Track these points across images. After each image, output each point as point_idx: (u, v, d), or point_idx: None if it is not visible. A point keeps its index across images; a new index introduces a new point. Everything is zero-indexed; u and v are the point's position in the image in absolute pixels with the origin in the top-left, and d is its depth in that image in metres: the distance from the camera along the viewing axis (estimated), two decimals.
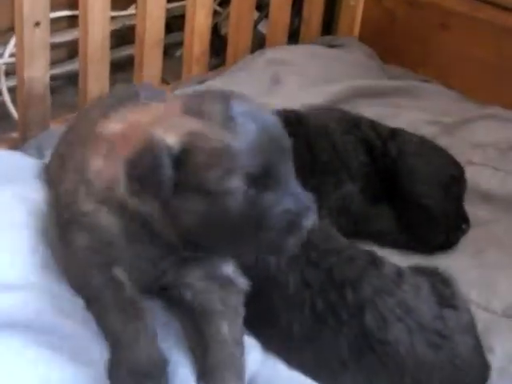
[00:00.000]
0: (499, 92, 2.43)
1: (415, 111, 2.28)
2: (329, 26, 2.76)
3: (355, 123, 1.87)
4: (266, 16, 2.58)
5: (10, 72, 2.26)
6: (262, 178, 1.16)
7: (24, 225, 1.37)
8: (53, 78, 2.02)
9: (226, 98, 1.19)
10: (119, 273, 1.27)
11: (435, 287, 1.41)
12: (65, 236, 1.32)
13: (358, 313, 1.33)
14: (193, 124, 1.15)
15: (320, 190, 1.72)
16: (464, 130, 2.27)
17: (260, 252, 1.25)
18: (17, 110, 2.05)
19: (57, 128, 1.95)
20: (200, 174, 1.14)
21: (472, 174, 1.94)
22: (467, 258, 1.79)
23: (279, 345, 1.38)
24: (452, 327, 1.35)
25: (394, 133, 1.88)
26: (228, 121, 1.15)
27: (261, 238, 1.18)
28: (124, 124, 1.26)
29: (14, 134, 2.01)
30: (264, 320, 1.39)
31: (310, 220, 1.19)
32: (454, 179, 1.85)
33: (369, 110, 2.10)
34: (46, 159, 1.79)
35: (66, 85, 2.41)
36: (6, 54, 2.24)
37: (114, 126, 1.28)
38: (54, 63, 2.03)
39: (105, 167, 1.26)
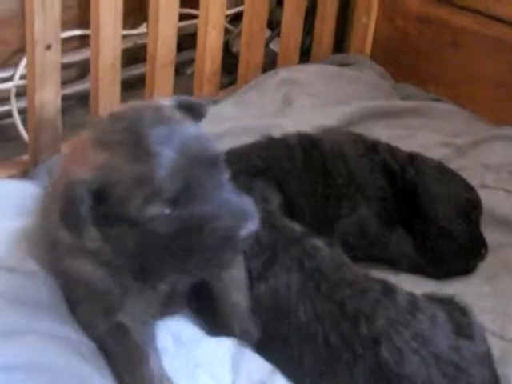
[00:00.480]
0: None
1: (428, 132, 2.26)
2: (340, 43, 2.75)
3: (372, 146, 1.85)
4: (278, 34, 2.56)
5: (20, 93, 2.25)
6: (184, 197, 1.13)
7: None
8: (63, 98, 2.01)
9: (136, 123, 1.16)
10: (123, 317, 1.26)
11: (451, 316, 1.39)
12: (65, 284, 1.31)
13: (372, 346, 1.30)
14: (103, 157, 1.14)
15: (336, 215, 1.74)
16: (476, 151, 2.24)
17: (201, 269, 1.21)
18: (27, 133, 2.04)
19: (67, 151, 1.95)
20: (120, 205, 1.13)
21: (485, 197, 1.90)
22: (481, 284, 1.77)
23: (291, 373, 1.36)
24: (468, 358, 1.32)
25: (412, 157, 1.86)
26: (138, 149, 1.13)
27: (198, 258, 1.16)
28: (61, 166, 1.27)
29: (25, 157, 1.99)
30: (277, 347, 1.38)
31: (250, 227, 1.15)
32: (471, 203, 1.83)
33: (382, 132, 2.09)
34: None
35: (76, 105, 2.40)
36: (17, 76, 2.23)
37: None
38: (64, 83, 2.01)
39: None
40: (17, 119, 2.22)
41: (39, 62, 1.85)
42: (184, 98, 1.26)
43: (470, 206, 1.82)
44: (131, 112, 1.19)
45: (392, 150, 1.86)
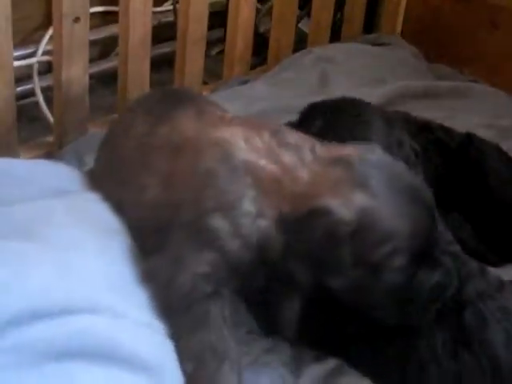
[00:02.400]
0: None
1: (470, 114, 2.15)
2: (371, 23, 2.63)
3: (424, 125, 1.75)
4: (308, 15, 2.46)
5: (41, 72, 2.14)
6: (422, 256, 1.20)
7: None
8: None
9: (385, 171, 1.21)
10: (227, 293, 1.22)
11: None
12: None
13: (457, 309, 1.29)
14: (363, 201, 1.17)
15: None
16: None
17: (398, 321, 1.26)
18: (51, 113, 1.93)
19: (95, 132, 1.84)
20: (367, 250, 1.16)
21: None
22: None
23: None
24: None
25: (471, 136, 1.76)
26: (393, 201, 1.19)
27: (405, 310, 1.22)
28: (277, 166, 1.23)
29: (49, 139, 1.89)
30: None
31: (452, 289, 1.24)
32: None
33: (423, 113, 1.98)
34: (87, 166, 1.69)
35: (98, 85, 2.28)
36: (39, 52, 2.11)
37: (264, 163, 1.24)
38: None
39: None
40: (40, 98, 2.10)
41: (67, 35, 1.75)
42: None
43: None
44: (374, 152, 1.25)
45: (446, 129, 1.76)
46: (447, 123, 1.95)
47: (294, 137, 1.29)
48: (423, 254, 1.20)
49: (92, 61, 2.24)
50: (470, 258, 1.42)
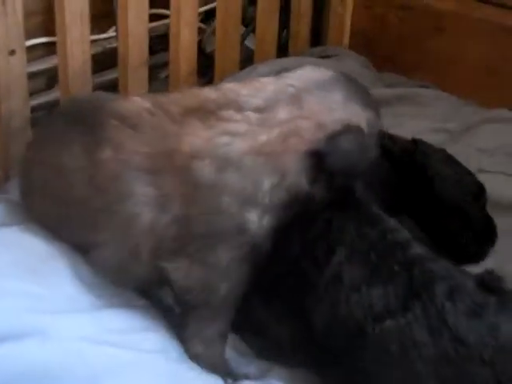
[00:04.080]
0: (500, 94, 2.33)
1: (419, 119, 2.18)
2: (317, 36, 2.65)
3: None
4: (253, 31, 2.47)
5: None
6: None
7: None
8: (31, 109, 1.89)
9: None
10: None
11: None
12: None
13: (407, 269, 1.33)
14: (369, 115, 1.33)
15: None
16: (469, 135, 2.18)
17: None
18: None
19: None
20: None
21: (484, 182, 1.81)
22: None
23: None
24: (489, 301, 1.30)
25: (416, 141, 1.78)
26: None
27: None
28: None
29: None
30: None
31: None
32: (480, 187, 1.75)
33: None
34: None
35: (45, 116, 2.26)
36: None
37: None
38: (31, 94, 1.90)
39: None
40: None
41: (3, 68, 1.74)
42: None
43: (479, 190, 1.74)
44: None
45: (391, 136, 1.77)
46: (396, 130, 1.95)
47: None
48: None
49: (38, 92, 2.26)
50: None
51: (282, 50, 2.53)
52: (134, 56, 2.02)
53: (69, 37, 1.84)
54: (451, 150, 1.92)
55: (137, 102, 1.36)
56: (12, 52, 1.74)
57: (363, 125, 1.29)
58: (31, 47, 2.11)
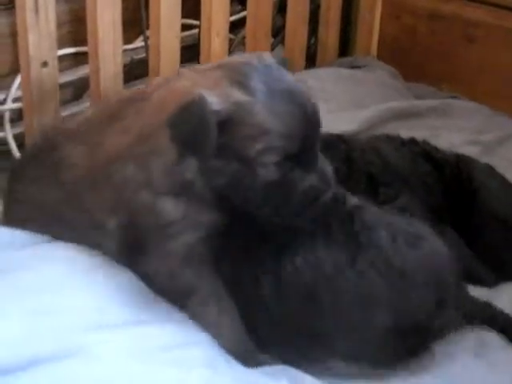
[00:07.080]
0: None
1: (452, 131, 2.14)
2: (346, 46, 2.62)
3: (408, 140, 1.77)
4: (282, 41, 2.44)
5: (13, 119, 2.09)
6: (297, 156, 1.22)
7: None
8: None
9: (267, 74, 1.23)
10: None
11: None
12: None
13: (347, 222, 1.36)
14: (239, 96, 1.19)
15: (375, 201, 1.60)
16: (504, 147, 2.14)
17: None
18: None
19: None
20: (242, 144, 1.20)
21: None
22: None
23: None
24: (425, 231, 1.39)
25: (458, 155, 1.77)
26: (271, 100, 1.20)
27: (282, 210, 1.26)
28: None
29: None
30: None
31: (328, 196, 1.27)
32: None
33: (406, 134, 1.95)
34: None
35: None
36: (9, 99, 2.07)
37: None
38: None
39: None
40: (13, 146, 2.05)
41: (35, 80, 1.71)
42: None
43: None
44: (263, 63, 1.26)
45: (431, 145, 1.76)
46: (432, 142, 1.93)
47: None
48: (298, 155, 1.22)
49: (65, 103, 2.22)
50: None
51: (311, 60, 2.50)
52: (165, 68, 1.99)
53: (100, 50, 1.82)
54: (488, 161, 1.90)
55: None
56: (44, 64, 1.71)
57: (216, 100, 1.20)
58: (59, 58, 2.08)
